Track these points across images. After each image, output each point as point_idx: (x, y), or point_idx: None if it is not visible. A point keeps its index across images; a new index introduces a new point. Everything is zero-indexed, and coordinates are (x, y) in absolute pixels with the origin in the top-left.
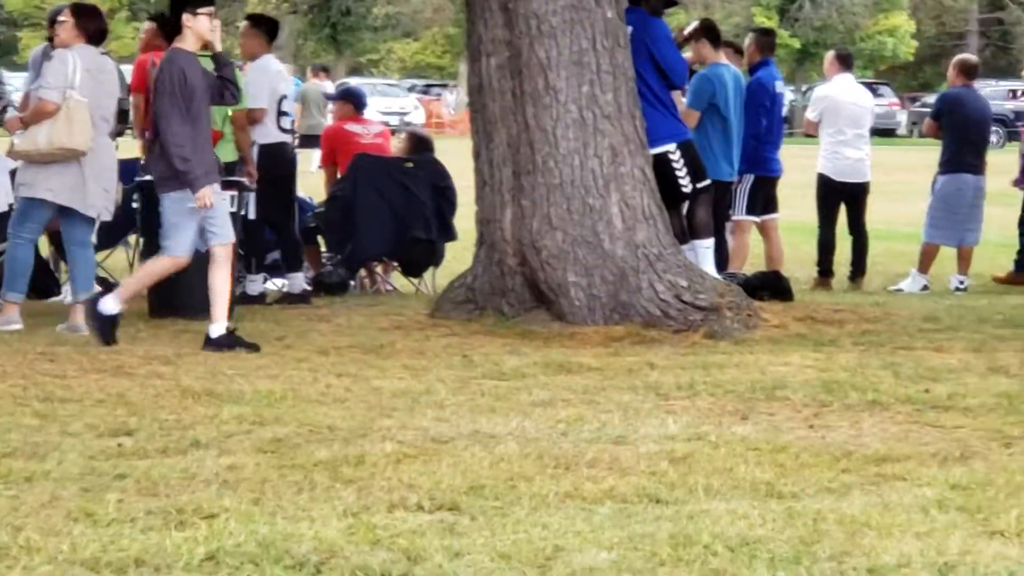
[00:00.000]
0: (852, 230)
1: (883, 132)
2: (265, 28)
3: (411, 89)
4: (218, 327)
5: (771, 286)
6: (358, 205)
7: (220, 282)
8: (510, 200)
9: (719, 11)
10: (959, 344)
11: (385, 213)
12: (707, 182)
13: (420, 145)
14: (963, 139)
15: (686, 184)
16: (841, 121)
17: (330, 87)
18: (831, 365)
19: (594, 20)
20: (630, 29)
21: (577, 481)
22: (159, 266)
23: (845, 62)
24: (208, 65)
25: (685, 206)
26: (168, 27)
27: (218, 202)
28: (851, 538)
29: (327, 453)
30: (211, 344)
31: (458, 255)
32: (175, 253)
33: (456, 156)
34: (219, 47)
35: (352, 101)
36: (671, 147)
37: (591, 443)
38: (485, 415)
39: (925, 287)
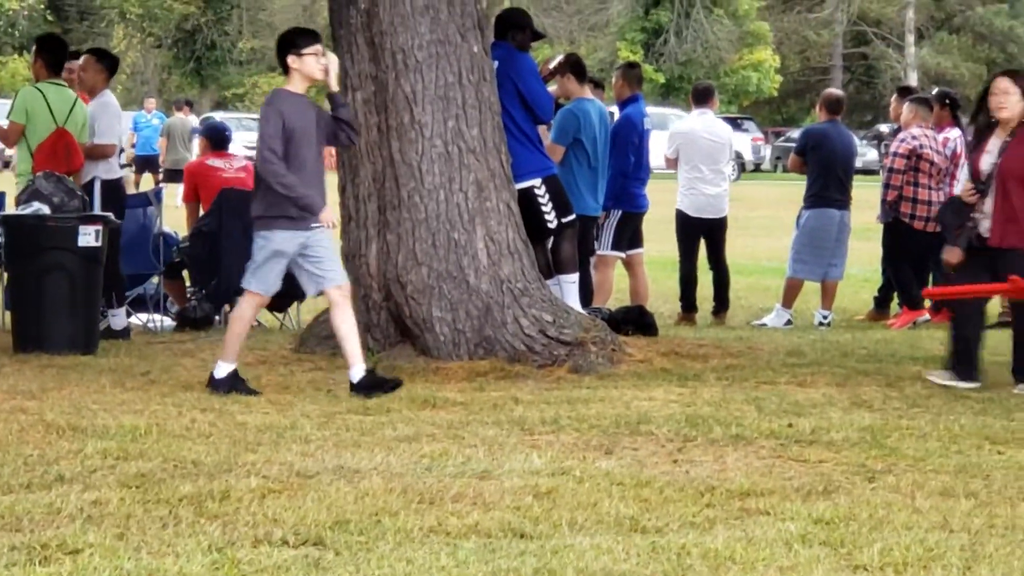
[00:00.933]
0: (712, 265)
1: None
2: (107, 63)
3: None
4: (357, 370)
5: (635, 321)
6: (223, 239)
7: (345, 324)
8: (375, 235)
9: (584, 46)
10: (823, 379)
11: (250, 248)
12: (572, 217)
13: None
14: (828, 174)
15: (551, 219)
16: (697, 157)
17: (194, 121)
18: (695, 400)
19: (460, 55)
20: (496, 63)
21: (442, 516)
22: (245, 306)
23: (699, 97)
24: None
25: (550, 241)
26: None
27: (327, 244)
28: (715, 572)
29: (192, 488)
30: (357, 389)
31: None
32: (257, 289)
33: None
34: (335, 86)
35: (214, 137)
36: (536, 182)
37: (456, 478)
38: (350, 450)
39: (789, 322)
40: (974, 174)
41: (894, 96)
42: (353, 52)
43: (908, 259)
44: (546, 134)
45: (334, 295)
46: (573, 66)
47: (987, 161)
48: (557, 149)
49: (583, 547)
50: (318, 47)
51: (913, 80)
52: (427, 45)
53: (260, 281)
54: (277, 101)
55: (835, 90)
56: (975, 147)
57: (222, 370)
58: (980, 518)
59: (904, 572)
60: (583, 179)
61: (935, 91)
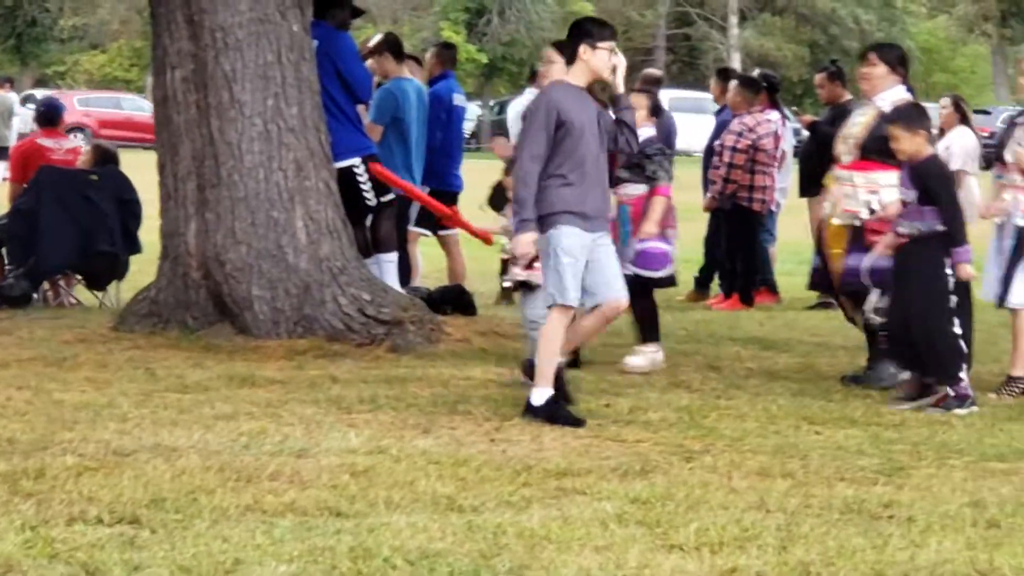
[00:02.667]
0: None
1: None
2: None
3: None
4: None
5: (454, 300)
6: (42, 218)
7: (590, 329)
8: (194, 213)
9: (407, 25)
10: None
11: (69, 226)
12: (391, 196)
13: (104, 158)
14: None
15: (370, 198)
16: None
17: (15, 99)
18: (515, 379)
19: (279, 33)
20: (315, 42)
21: (258, 494)
22: (555, 322)
23: (532, 79)
24: None
25: (369, 220)
26: None
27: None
28: (531, 551)
29: (6, 466)
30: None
31: (143, 268)
32: (560, 300)
33: (142, 169)
34: (621, 87)
35: (45, 114)
36: (356, 161)
37: (273, 456)
38: (167, 428)
39: None
40: None
41: (714, 78)
42: (172, 30)
43: (750, 243)
44: (365, 113)
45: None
46: (391, 45)
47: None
48: (376, 128)
49: (399, 525)
50: (612, 43)
51: (736, 62)
52: (247, 24)
53: (563, 290)
54: (555, 94)
55: (654, 70)
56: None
57: (540, 396)
58: (796, 498)
59: (720, 552)
60: (401, 158)
61: (756, 73)
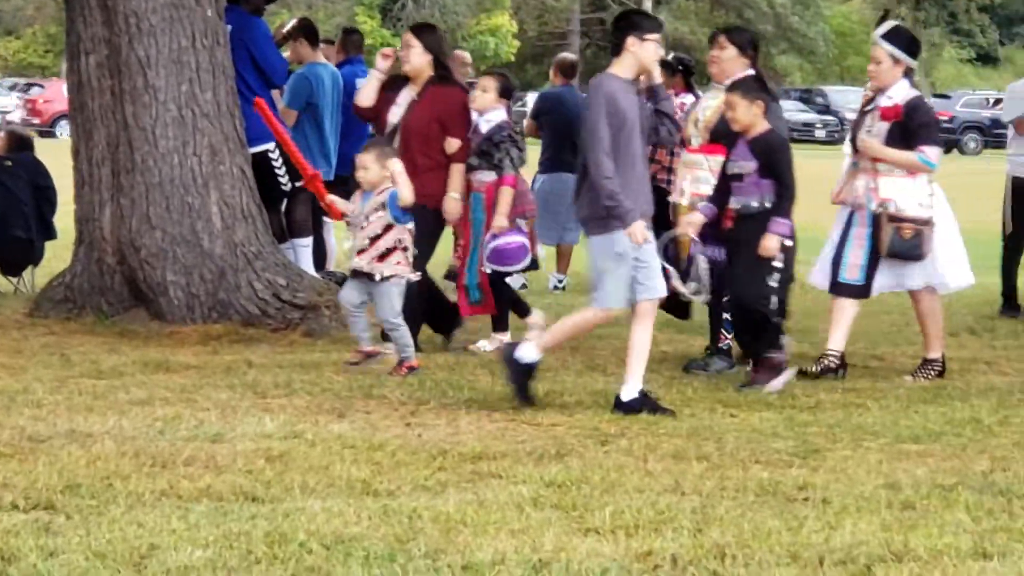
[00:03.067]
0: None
1: None
2: None
3: (12, 88)
4: (631, 388)
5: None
6: None
7: (644, 339)
8: (109, 199)
9: (321, 11)
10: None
11: None
12: None
13: (19, 144)
14: (563, 138)
15: (285, 183)
16: None
17: None
18: (429, 363)
19: (194, 19)
20: (230, 28)
21: (173, 479)
22: (588, 318)
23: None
24: None
25: (284, 204)
26: None
27: (650, 250)
28: (446, 535)
29: None
30: (625, 407)
31: (58, 254)
32: (605, 305)
33: (57, 155)
34: (659, 78)
35: None
36: (271, 146)
37: (188, 441)
38: (82, 414)
39: (523, 285)
40: (381, 125)
41: None
42: (86, 15)
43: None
44: (280, 98)
45: (644, 306)
46: (305, 30)
47: (395, 113)
48: (290, 113)
49: (314, 510)
50: (659, 35)
51: None
52: (161, 9)
53: (613, 294)
54: (609, 86)
55: (569, 54)
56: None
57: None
58: (711, 480)
59: (635, 534)
60: (315, 143)
61: (670, 56)
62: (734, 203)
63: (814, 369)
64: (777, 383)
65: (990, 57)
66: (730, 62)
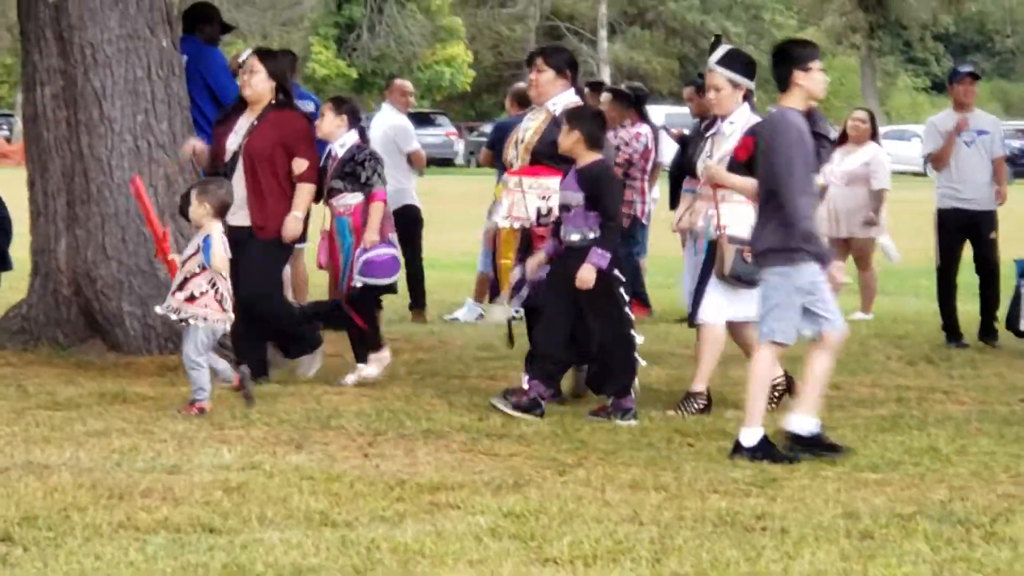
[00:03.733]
0: (407, 259)
1: (440, 162)
2: None
3: None
4: (803, 423)
5: (325, 315)
6: None
7: (824, 370)
8: (64, 229)
9: (278, 41)
10: (514, 372)
11: None
12: None
13: None
14: None
15: None
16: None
17: None
18: (385, 395)
19: (149, 49)
20: (185, 58)
21: (131, 511)
22: (765, 358)
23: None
24: None
25: None
26: None
27: (823, 282)
28: (404, 566)
29: None
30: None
31: (14, 285)
32: (778, 339)
33: (12, 185)
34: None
35: None
36: None
37: (145, 473)
38: (39, 445)
39: (480, 316)
40: (219, 153)
41: (586, 91)
42: (42, 46)
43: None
44: None
45: (832, 338)
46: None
47: (233, 140)
48: None
49: (272, 541)
50: (820, 60)
51: (606, 75)
52: (116, 40)
53: (785, 329)
54: (796, 121)
55: (524, 84)
56: (222, 123)
57: (751, 437)
58: (670, 511)
59: (593, 565)
60: None
61: (623, 86)
62: (562, 234)
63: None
64: (623, 422)
65: (944, 85)
66: (548, 84)
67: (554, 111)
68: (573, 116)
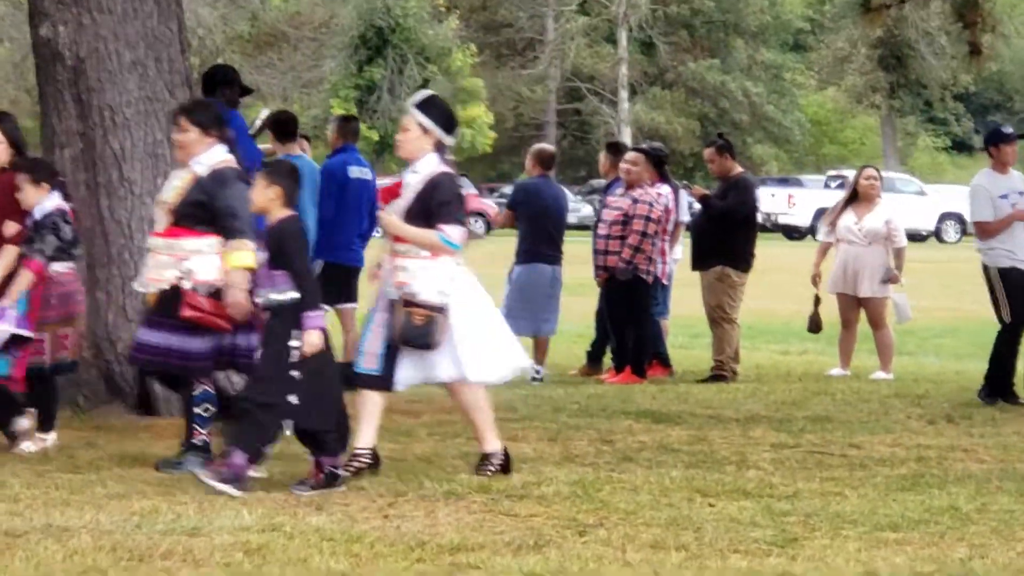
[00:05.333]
0: None
1: None
2: None
3: None
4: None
5: (347, 376)
6: None
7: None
8: (85, 292)
9: (298, 103)
10: (534, 433)
11: None
12: None
13: None
14: (539, 229)
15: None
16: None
17: None
18: (406, 455)
19: (168, 111)
20: None
21: (151, 573)
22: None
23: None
24: None
25: None
26: None
27: None
28: None
29: None
30: None
31: None
32: None
33: None
34: None
35: None
36: None
37: (165, 535)
38: (59, 508)
39: (535, 377)
40: None
41: (604, 152)
42: (60, 109)
43: (642, 315)
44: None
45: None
46: (274, 124)
47: None
48: None
49: None
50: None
51: (627, 135)
52: (135, 102)
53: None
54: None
55: (545, 144)
56: None
57: None
58: (691, 571)
59: None
60: None
61: (645, 145)
62: (259, 297)
63: (347, 471)
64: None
65: (965, 145)
66: (194, 143)
67: (198, 171)
68: (273, 172)
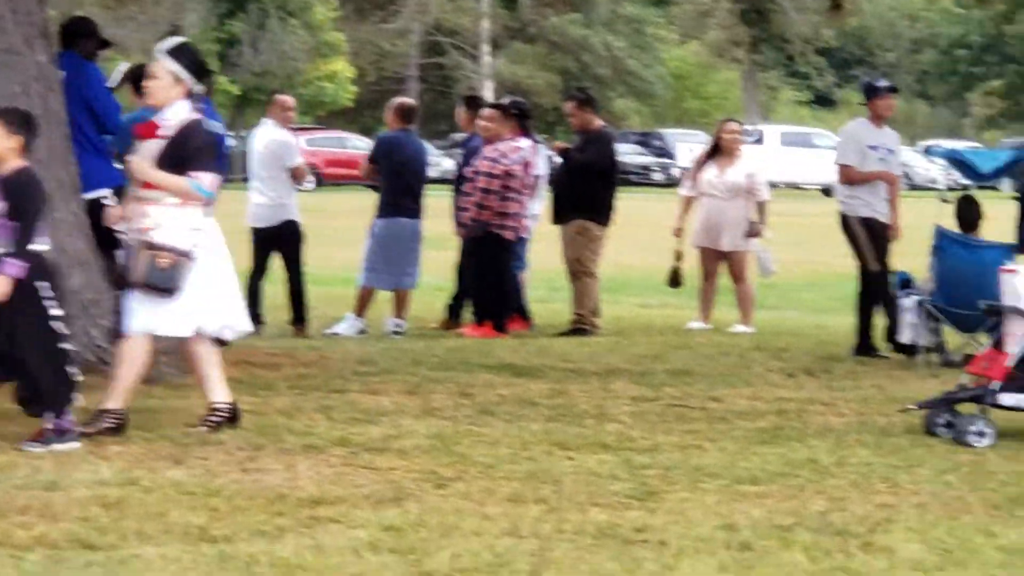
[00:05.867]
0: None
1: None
2: None
3: None
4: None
5: None
6: None
7: None
8: None
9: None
10: (394, 386)
11: None
12: None
13: None
14: (401, 183)
15: (122, 229)
16: (253, 167)
17: None
18: (266, 409)
19: (26, 65)
20: (63, 74)
21: (7, 528)
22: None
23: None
24: None
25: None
26: None
27: None
28: None
29: None
30: None
31: None
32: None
33: None
34: None
35: None
36: (106, 192)
37: (22, 489)
38: None
39: (362, 331)
40: None
41: (462, 106)
42: None
43: (502, 270)
44: None
45: None
46: (135, 77)
47: None
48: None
49: (150, 557)
50: None
51: (489, 90)
52: None
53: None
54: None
55: (406, 99)
56: None
57: None
58: (549, 524)
59: None
60: None
61: (506, 100)
62: None
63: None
64: (61, 446)
65: (827, 99)
66: None
67: None
68: (14, 121)
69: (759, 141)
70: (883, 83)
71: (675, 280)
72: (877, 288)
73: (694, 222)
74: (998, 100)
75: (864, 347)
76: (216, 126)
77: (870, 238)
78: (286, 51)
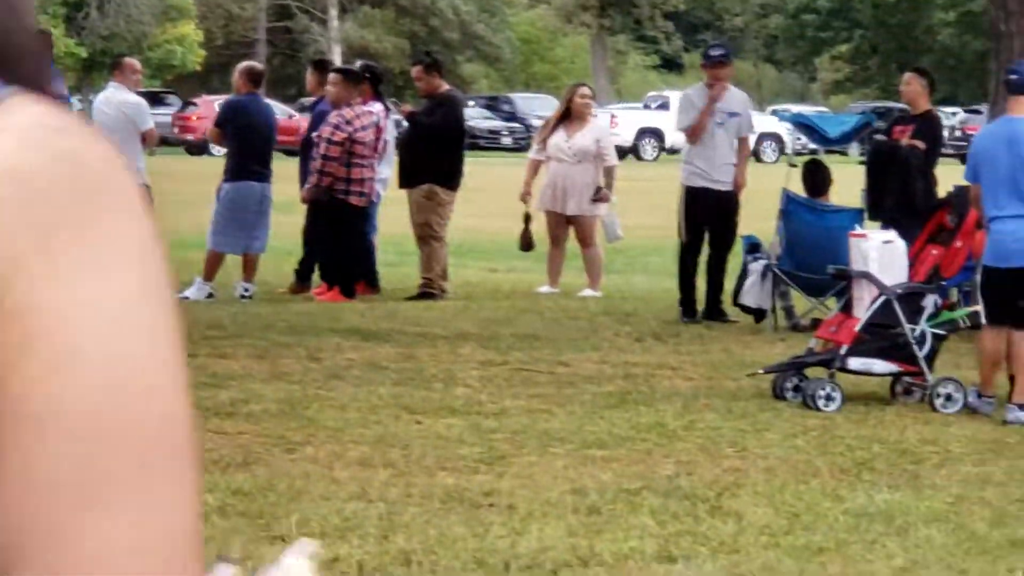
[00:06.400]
0: None
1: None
2: None
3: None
4: None
5: None
6: None
7: None
8: None
9: None
10: (243, 351)
11: None
12: None
13: None
14: (249, 147)
15: None
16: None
17: None
18: None
19: None
20: None
21: None
22: None
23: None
24: None
25: None
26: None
27: None
28: None
29: None
30: None
31: None
32: None
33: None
34: None
35: None
36: None
37: None
38: None
39: (210, 295)
40: None
41: (311, 70)
42: None
43: (350, 235)
44: None
45: None
46: None
47: None
48: None
49: None
50: None
51: (337, 54)
52: None
53: None
54: None
55: (255, 62)
56: None
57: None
58: (397, 487)
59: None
60: None
61: (358, 64)
62: None
63: None
64: None
65: (675, 63)
66: None
67: None
68: None
69: (664, 107)
70: (714, 52)
71: (527, 243)
72: (684, 257)
73: (542, 186)
74: (845, 65)
75: (705, 311)
76: (62, 88)
77: (692, 209)
78: (133, 14)
